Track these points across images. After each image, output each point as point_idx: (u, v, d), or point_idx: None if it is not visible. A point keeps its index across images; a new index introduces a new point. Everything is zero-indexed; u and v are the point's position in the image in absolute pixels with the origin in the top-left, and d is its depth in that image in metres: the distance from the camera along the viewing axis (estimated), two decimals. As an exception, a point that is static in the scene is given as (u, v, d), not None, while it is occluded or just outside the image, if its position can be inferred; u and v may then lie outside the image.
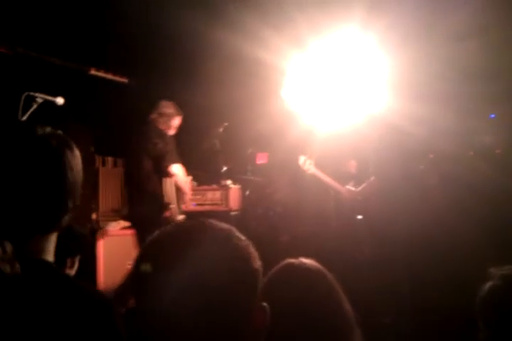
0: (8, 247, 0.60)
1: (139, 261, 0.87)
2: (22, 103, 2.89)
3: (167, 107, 4.20)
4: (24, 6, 4.08)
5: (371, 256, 3.93)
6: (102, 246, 5.02)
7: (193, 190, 4.98)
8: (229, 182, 5.01)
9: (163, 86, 5.13)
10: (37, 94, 2.93)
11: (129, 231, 4.42)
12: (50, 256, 1.06)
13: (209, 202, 4.95)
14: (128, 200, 4.27)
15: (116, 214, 5.81)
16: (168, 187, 3.99)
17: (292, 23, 3.97)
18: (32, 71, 4.48)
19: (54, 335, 0.91)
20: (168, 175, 3.94)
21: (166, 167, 3.90)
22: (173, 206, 3.97)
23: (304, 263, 1.42)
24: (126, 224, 4.96)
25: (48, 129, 1.07)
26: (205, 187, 4.96)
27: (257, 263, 0.89)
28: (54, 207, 1.03)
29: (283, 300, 1.27)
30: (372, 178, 4.17)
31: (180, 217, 4.11)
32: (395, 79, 4.02)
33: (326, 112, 4.58)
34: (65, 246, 1.18)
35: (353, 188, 4.33)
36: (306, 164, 4.23)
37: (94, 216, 5.85)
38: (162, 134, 4.04)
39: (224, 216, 4.81)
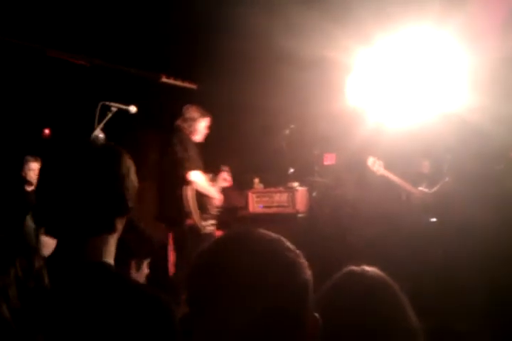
0: (38, 262, 0.64)
1: (192, 273, 0.89)
2: (98, 112, 3.04)
3: (191, 111, 4.19)
4: (98, 20, 4.32)
5: (445, 260, 3.76)
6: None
7: (260, 192, 5.01)
8: (296, 184, 5.00)
9: (230, 90, 5.22)
10: (111, 104, 3.08)
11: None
12: (109, 258, 1.12)
13: (276, 204, 4.95)
14: (159, 205, 4.32)
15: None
16: (189, 194, 3.95)
17: (358, 18, 3.86)
18: (107, 81, 4.73)
19: (111, 333, 0.96)
20: (187, 182, 3.92)
21: (184, 174, 3.89)
22: (192, 215, 3.93)
23: (367, 271, 1.37)
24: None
25: (105, 142, 1.20)
26: (272, 189, 4.98)
27: (307, 274, 0.88)
28: (105, 210, 1.11)
29: (344, 309, 1.24)
30: (446, 179, 4.00)
31: (208, 223, 4.08)
32: (474, 76, 3.82)
33: (395, 110, 4.46)
34: (129, 248, 1.27)
35: (425, 190, 4.17)
36: (376, 165, 4.13)
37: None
38: (183, 140, 4.02)
39: (291, 218, 4.81)
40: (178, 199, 3.91)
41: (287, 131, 5.13)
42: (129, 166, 1.16)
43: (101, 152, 1.14)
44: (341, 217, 4.60)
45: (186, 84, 5.47)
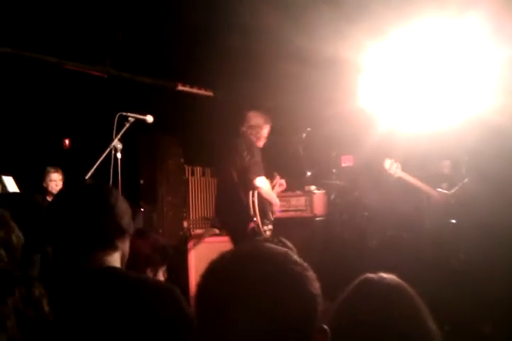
0: (37, 291, 0.67)
1: (201, 285, 0.92)
2: (115, 123, 3.09)
3: (256, 118, 4.24)
4: (114, 30, 4.39)
5: (468, 263, 3.69)
6: (193, 253, 5.23)
7: (278, 196, 5.01)
8: (313, 187, 4.98)
9: (244, 94, 5.24)
10: (129, 114, 3.13)
11: (219, 239, 4.57)
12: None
13: (293, 209, 4.95)
14: (218, 211, 4.39)
15: (206, 222, 6.04)
16: (254, 199, 4.02)
17: (371, 12, 3.69)
18: (124, 90, 4.80)
19: (130, 322, 1.08)
20: (253, 187, 3.99)
21: (251, 180, 3.95)
22: (257, 218, 3.99)
23: (384, 278, 1.34)
24: (217, 231, 5.13)
25: (96, 183, 1.55)
26: (289, 193, 4.97)
27: (315, 287, 0.90)
28: (106, 230, 1.32)
29: (361, 318, 1.24)
30: (465, 180, 3.94)
31: (268, 228, 4.13)
32: (499, 74, 3.69)
33: (412, 110, 4.39)
34: (144, 257, 1.50)
35: (445, 191, 4.11)
36: (393, 168, 4.09)
37: (185, 224, 6.13)
38: (250, 147, 4.09)
39: (308, 222, 4.80)
40: (242, 204, 3.98)
41: (304, 135, 5.13)
42: (116, 197, 1.39)
43: (91, 192, 1.39)
44: (359, 221, 4.57)
45: (202, 92, 5.55)
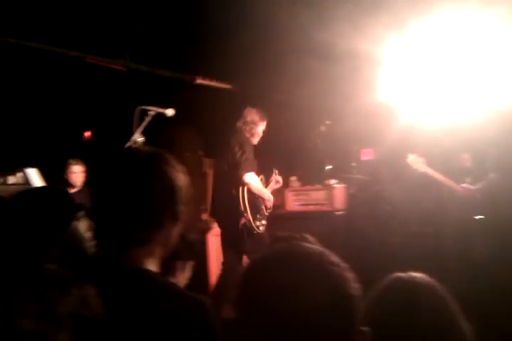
0: (90, 291, 0.65)
1: (242, 285, 0.91)
2: (136, 116, 3.09)
3: (251, 114, 4.22)
4: (134, 24, 4.40)
5: (492, 259, 3.63)
6: (212, 246, 5.25)
7: (297, 190, 5.00)
8: (333, 181, 4.95)
9: (262, 88, 5.21)
10: (149, 108, 3.12)
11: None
12: (151, 266, 1.15)
13: (313, 202, 4.93)
14: (212, 205, 4.41)
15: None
16: (245, 194, 4.03)
17: (391, 4, 3.64)
18: (144, 84, 4.81)
19: (154, 335, 1.00)
20: (243, 183, 3.99)
21: (241, 176, 3.96)
22: (247, 214, 4.00)
23: (414, 278, 1.32)
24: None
25: (147, 149, 1.20)
26: (309, 187, 4.95)
27: (353, 288, 0.88)
28: (144, 222, 1.13)
29: (391, 319, 1.22)
30: (491, 175, 3.86)
31: (261, 223, 4.12)
32: None
33: (432, 104, 4.32)
34: (175, 251, 1.28)
35: (471, 186, 4.05)
36: (417, 163, 4.04)
37: (204, 216, 6.15)
38: (243, 143, 4.09)
39: (329, 216, 4.78)
40: (234, 199, 4.01)
41: (323, 128, 5.09)
42: (169, 180, 1.16)
43: (142, 166, 1.16)
44: (380, 215, 4.52)
45: (220, 85, 5.54)
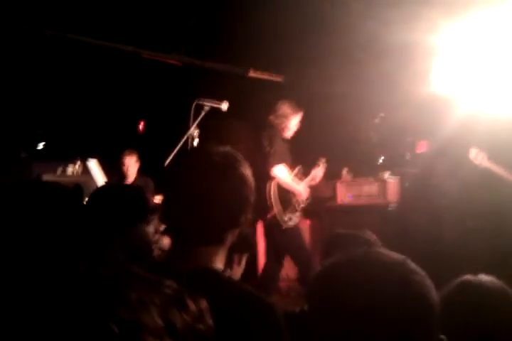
0: (204, 302, 0.65)
1: (314, 288, 0.91)
2: (193, 111, 3.15)
3: (283, 108, 4.16)
4: (186, 18, 4.46)
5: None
6: (261, 235, 5.29)
7: (349, 182, 4.94)
8: (386, 174, 4.86)
9: (314, 80, 5.16)
10: (205, 102, 3.17)
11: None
12: (219, 265, 1.16)
13: (365, 195, 4.86)
14: None
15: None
16: (272, 188, 4.01)
17: None
18: (197, 77, 4.88)
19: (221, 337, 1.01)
20: (271, 177, 3.97)
21: (269, 169, 3.94)
22: (274, 208, 3.97)
23: (483, 282, 1.26)
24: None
25: (222, 149, 1.19)
26: (361, 179, 4.88)
27: (434, 297, 0.87)
28: (220, 222, 1.13)
29: (459, 326, 1.17)
30: None
31: (291, 217, 4.07)
32: None
33: (491, 94, 4.14)
34: (233, 244, 1.28)
35: None
36: (479, 158, 3.88)
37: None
38: (272, 137, 4.06)
39: (381, 209, 4.70)
40: (261, 195, 3.99)
41: (377, 120, 5.00)
42: (244, 179, 1.16)
43: (216, 166, 1.15)
44: (437, 210, 4.39)
45: (273, 77, 5.53)
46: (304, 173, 4.29)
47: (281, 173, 4.00)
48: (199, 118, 3.10)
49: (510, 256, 3.52)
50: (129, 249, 1.50)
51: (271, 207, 3.98)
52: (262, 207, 3.98)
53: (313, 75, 5.12)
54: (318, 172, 4.33)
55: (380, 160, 4.96)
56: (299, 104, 4.31)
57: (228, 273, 1.97)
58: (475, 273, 1.32)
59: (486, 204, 4.04)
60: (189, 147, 3.06)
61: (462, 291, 1.27)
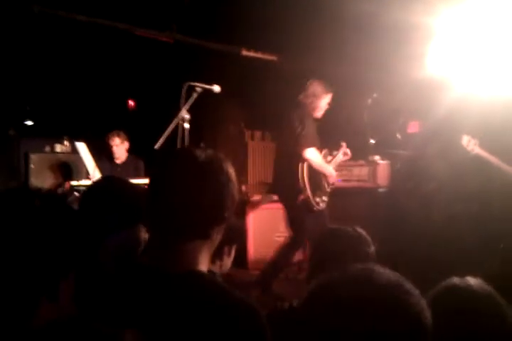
0: None
1: (306, 309, 0.92)
2: (184, 92, 3.12)
3: (313, 87, 4.08)
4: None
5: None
6: (251, 218, 5.32)
7: (339, 165, 4.95)
8: (377, 157, 4.87)
9: (308, 60, 5.11)
10: (196, 84, 3.14)
11: (277, 205, 4.61)
12: (202, 266, 1.17)
13: (355, 178, 4.87)
14: (273, 179, 4.38)
15: (265, 187, 6.08)
16: (304, 170, 3.98)
17: None
18: (189, 55, 4.80)
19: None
20: (302, 159, 3.93)
21: (300, 151, 3.89)
22: (306, 190, 3.96)
23: (470, 286, 1.25)
24: (274, 197, 5.17)
25: (206, 153, 1.21)
26: (352, 162, 4.87)
27: (428, 320, 0.88)
28: (202, 217, 1.16)
29: (445, 330, 1.12)
30: None
31: (321, 199, 4.09)
32: None
33: (485, 77, 4.13)
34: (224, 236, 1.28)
35: None
36: (471, 144, 3.90)
37: (243, 188, 6.21)
38: (303, 117, 3.97)
39: (371, 192, 4.73)
40: (293, 175, 3.97)
41: (369, 101, 4.96)
42: (229, 177, 1.19)
43: (203, 164, 1.18)
44: (426, 192, 4.43)
45: (266, 56, 5.46)
46: (326, 155, 4.26)
47: (314, 156, 3.97)
48: (190, 101, 3.06)
49: (498, 239, 3.59)
50: (122, 252, 1.47)
51: (304, 189, 3.97)
52: (294, 189, 3.96)
53: (307, 55, 5.06)
54: (344, 149, 4.37)
55: (371, 142, 4.95)
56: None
57: (219, 264, 2.00)
58: (463, 258, 1.32)
59: (474, 187, 4.09)
60: (179, 133, 3.04)
61: (448, 294, 1.27)
